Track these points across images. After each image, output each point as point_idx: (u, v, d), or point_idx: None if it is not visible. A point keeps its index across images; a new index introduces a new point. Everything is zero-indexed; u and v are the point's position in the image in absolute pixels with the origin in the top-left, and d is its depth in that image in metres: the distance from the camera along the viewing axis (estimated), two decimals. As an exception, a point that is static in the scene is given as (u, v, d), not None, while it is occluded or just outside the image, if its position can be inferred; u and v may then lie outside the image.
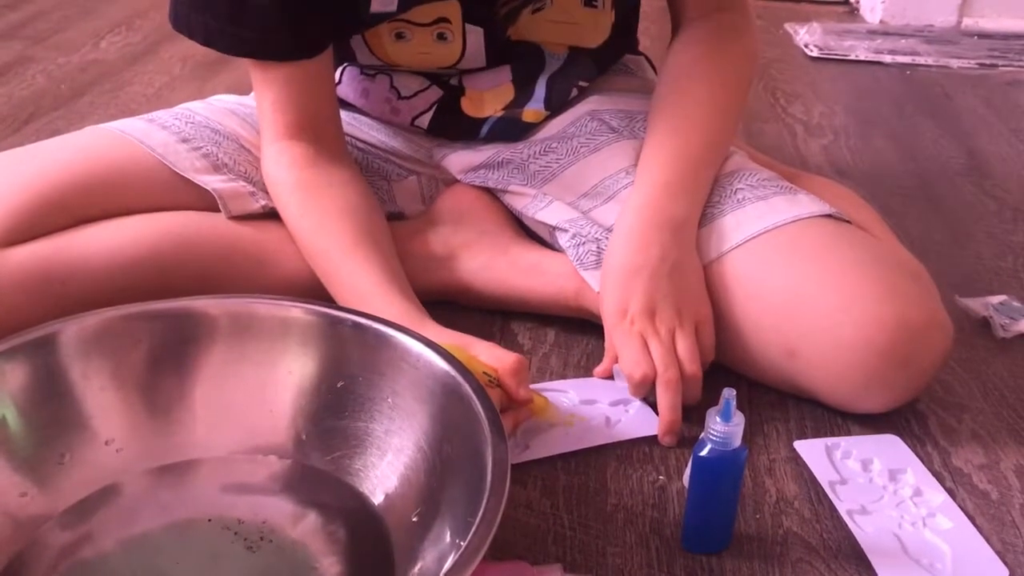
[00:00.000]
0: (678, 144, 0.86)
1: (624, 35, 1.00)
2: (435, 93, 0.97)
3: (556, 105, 0.97)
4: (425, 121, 0.98)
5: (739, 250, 0.81)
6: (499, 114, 0.97)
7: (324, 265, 0.83)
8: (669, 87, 0.91)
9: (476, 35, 0.91)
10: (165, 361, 0.69)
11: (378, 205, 0.89)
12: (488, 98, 0.97)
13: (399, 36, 0.91)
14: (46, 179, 0.84)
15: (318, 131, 0.88)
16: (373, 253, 0.81)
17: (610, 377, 0.82)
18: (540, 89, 0.96)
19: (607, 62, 1.00)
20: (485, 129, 0.98)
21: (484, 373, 0.69)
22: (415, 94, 0.97)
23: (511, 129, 0.98)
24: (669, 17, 0.97)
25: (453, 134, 1.00)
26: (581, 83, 0.98)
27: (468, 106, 0.97)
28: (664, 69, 0.94)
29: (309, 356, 0.69)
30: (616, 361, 0.80)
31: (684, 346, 0.78)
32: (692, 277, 0.81)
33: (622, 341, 0.79)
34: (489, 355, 0.72)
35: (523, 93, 0.96)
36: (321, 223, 0.83)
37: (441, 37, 0.91)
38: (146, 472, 0.67)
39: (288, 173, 0.86)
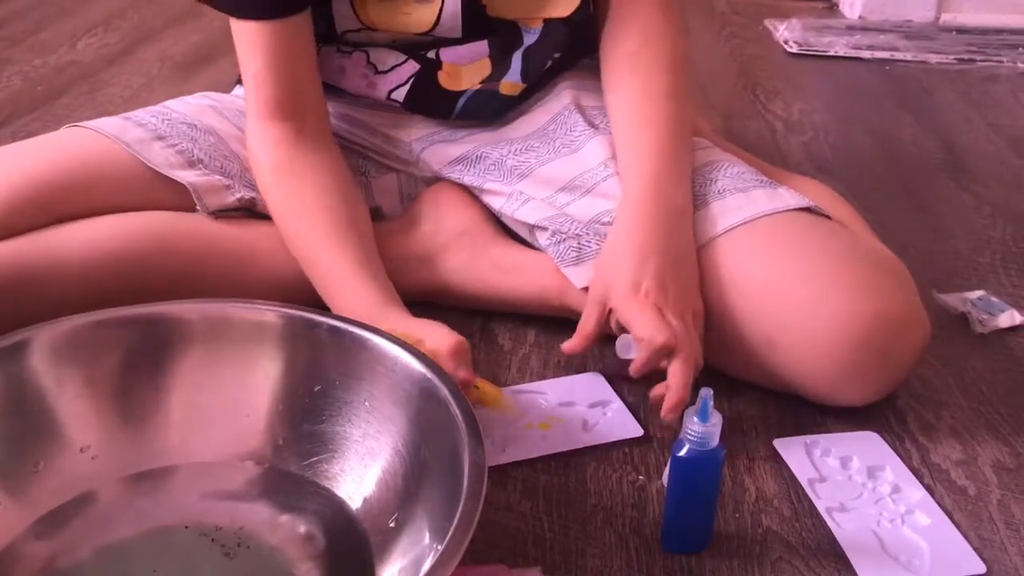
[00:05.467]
0: (652, 136, 0.86)
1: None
2: (412, 67, 0.97)
3: (532, 77, 0.97)
4: (401, 95, 0.98)
5: (719, 240, 0.81)
6: (476, 87, 0.97)
7: (303, 249, 0.84)
8: (619, 83, 0.91)
9: None
10: (140, 367, 0.68)
11: (358, 189, 0.90)
12: (465, 72, 0.97)
13: None
14: (22, 177, 0.84)
15: (301, 109, 0.88)
16: (350, 239, 0.82)
17: (594, 373, 0.81)
18: (516, 62, 0.96)
19: (580, 31, 0.99)
20: (461, 102, 0.97)
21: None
22: (392, 68, 0.97)
23: (488, 103, 0.97)
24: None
25: (429, 108, 0.99)
26: (555, 55, 0.97)
27: (445, 79, 0.97)
28: (604, 61, 0.94)
29: (286, 360, 0.69)
30: (589, 336, 0.79)
31: (693, 334, 0.77)
32: (691, 269, 0.81)
33: (637, 311, 0.76)
34: (435, 337, 0.71)
35: (500, 67, 0.96)
36: (302, 207, 0.85)
37: None
38: (122, 479, 0.66)
39: (271, 153, 0.87)
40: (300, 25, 0.87)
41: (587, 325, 0.80)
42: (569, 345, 0.81)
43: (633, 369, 0.75)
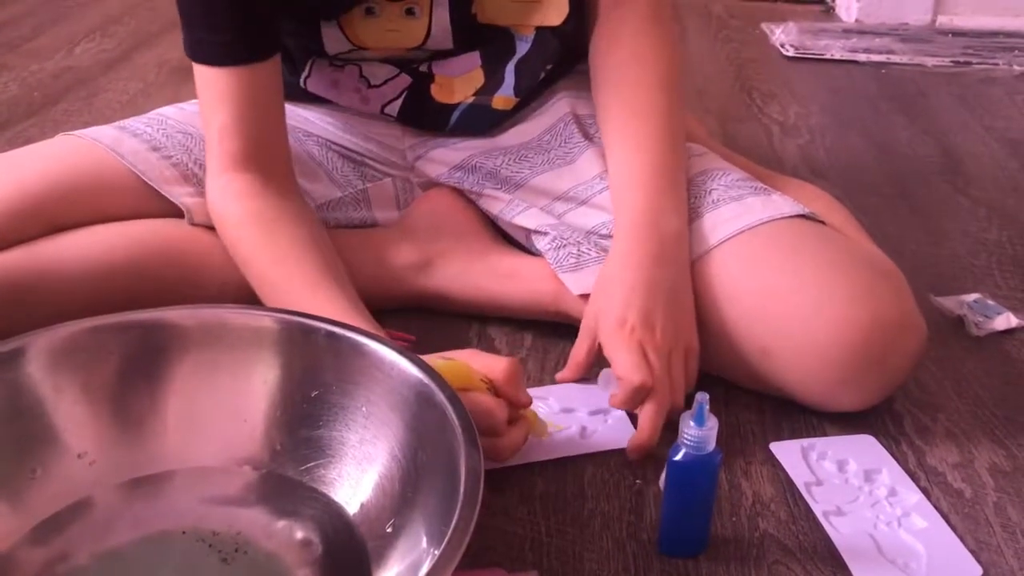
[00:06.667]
0: (644, 162, 0.85)
1: (579, 6, 0.99)
2: (404, 80, 0.96)
3: (525, 90, 0.97)
4: (395, 109, 0.97)
5: (714, 252, 0.81)
6: (469, 100, 0.96)
7: (284, 297, 0.78)
8: (609, 97, 0.90)
9: (442, 10, 0.91)
10: (137, 373, 0.68)
11: (329, 239, 0.86)
12: (458, 84, 0.96)
13: (368, 12, 0.90)
14: (17, 187, 0.84)
15: (267, 160, 0.85)
16: (336, 286, 0.78)
17: (585, 380, 0.81)
18: (509, 75, 0.96)
19: (572, 42, 0.98)
20: (455, 116, 0.97)
21: (482, 380, 0.69)
22: (384, 82, 0.97)
23: (481, 117, 0.97)
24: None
25: (423, 122, 0.99)
26: (547, 66, 0.97)
27: (438, 92, 0.97)
28: (594, 73, 0.93)
29: (283, 365, 0.69)
30: (581, 365, 0.80)
31: (677, 373, 0.76)
32: (685, 301, 0.80)
33: (620, 347, 0.75)
34: (480, 363, 0.70)
35: (493, 79, 0.96)
36: (280, 255, 0.80)
37: (410, 12, 0.90)
38: (119, 485, 0.66)
39: (236, 205, 0.83)
40: (269, 72, 0.84)
41: (579, 355, 0.80)
42: (562, 375, 0.81)
43: (612, 404, 0.76)
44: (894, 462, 0.75)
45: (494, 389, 0.69)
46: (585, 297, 0.84)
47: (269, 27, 0.85)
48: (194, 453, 0.68)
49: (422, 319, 0.92)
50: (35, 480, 0.64)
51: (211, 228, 0.86)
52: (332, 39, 0.93)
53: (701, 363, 0.81)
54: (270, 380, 0.69)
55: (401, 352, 0.65)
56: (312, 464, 0.67)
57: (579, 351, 0.81)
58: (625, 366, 0.74)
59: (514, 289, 0.92)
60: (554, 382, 0.84)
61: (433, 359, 0.69)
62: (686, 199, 0.85)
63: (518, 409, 0.71)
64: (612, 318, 0.77)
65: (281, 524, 0.64)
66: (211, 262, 0.86)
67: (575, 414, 0.80)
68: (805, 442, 0.77)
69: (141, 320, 0.69)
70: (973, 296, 0.98)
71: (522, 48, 0.95)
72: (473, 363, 0.70)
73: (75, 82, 1.65)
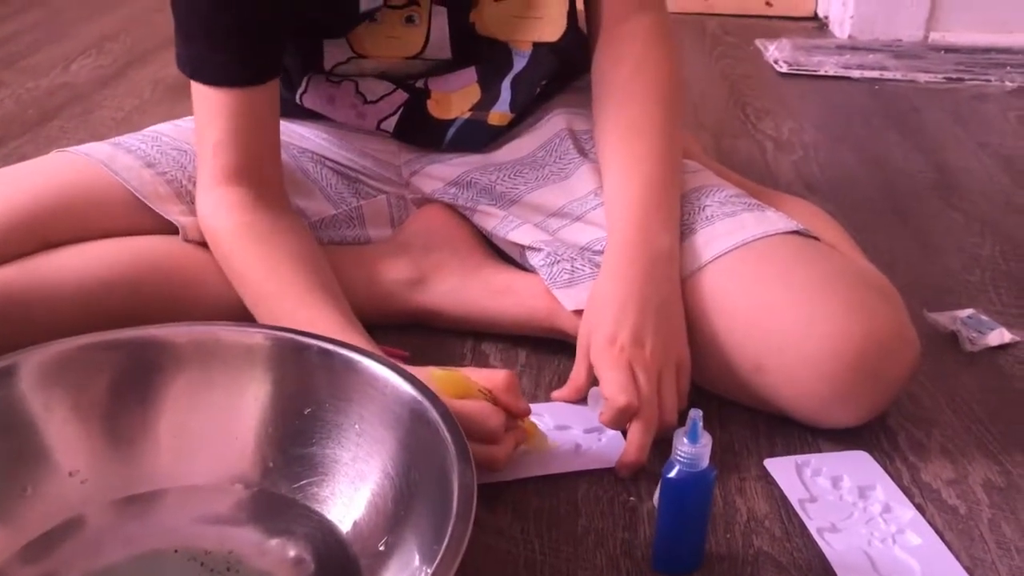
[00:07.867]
0: (640, 178, 0.85)
1: (575, 23, 0.99)
2: (401, 96, 0.97)
3: (521, 106, 0.97)
4: (391, 124, 0.98)
5: (709, 267, 0.81)
6: (466, 116, 0.97)
7: (278, 311, 0.78)
8: (609, 113, 0.90)
9: (440, 18, 0.91)
10: (129, 390, 0.68)
11: (323, 253, 0.86)
12: (454, 100, 0.97)
13: (371, 19, 0.91)
14: (12, 204, 0.84)
15: (259, 176, 0.85)
16: (330, 299, 0.78)
17: (581, 402, 0.81)
18: (505, 91, 0.96)
19: (569, 58, 0.99)
20: (451, 132, 0.97)
21: (480, 391, 0.70)
22: (381, 98, 0.97)
23: (477, 133, 0.97)
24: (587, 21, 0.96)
25: (419, 138, 0.99)
26: (543, 82, 0.97)
27: (434, 108, 0.97)
28: (597, 89, 0.93)
29: (275, 383, 0.69)
30: (581, 389, 0.80)
31: (668, 392, 0.76)
32: (676, 318, 0.80)
33: (609, 366, 0.76)
34: (478, 376, 0.71)
35: (489, 94, 0.96)
36: (274, 268, 0.80)
37: (409, 20, 0.91)
38: (111, 503, 0.66)
39: (228, 218, 0.83)
40: (268, 92, 0.85)
41: (579, 378, 0.80)
42: (559, 393, 0.81)
43: (600, 422, 0.75)
44: (888, 479, 0.75)
45: (492, 399, 0.70)
46: (579, 313, 0.84)
47: (274, 49, 0.85)
48: (186, 471, 0.67)
49: (416, 335, 0.92)
50: (26, 498, 0.64)
51: (205, 245, 0.86)
52: (333, 47, 0.93)
53: (694, 379, 0.81)
54: (262, 397, 0.68)
55: (394, 369, 0.65)
56: (305, 482, 0.66)
57: (579, 375, 0.80)
58: (611, 386, 0.74)
59: (508, 305, 0.91)
60: (548, 399, 0.83)
61: (432, 369, 0.69)
62: (679, 216, 0.85)
63: (516, 418, 0.72)
64: (602, 336, 0.77)
65: (273, 542, 0.63)
66: (205, 279, 0.86)
67: (570, 431, 0.79)
68: (799, 458, 0.77)
69: (133, 337, 0.69)
70: (967, 312, 0.98)
71: (519, 63, 0.96)
72: (472, 376, 0.71)
73: (70, 99, 1.65)
